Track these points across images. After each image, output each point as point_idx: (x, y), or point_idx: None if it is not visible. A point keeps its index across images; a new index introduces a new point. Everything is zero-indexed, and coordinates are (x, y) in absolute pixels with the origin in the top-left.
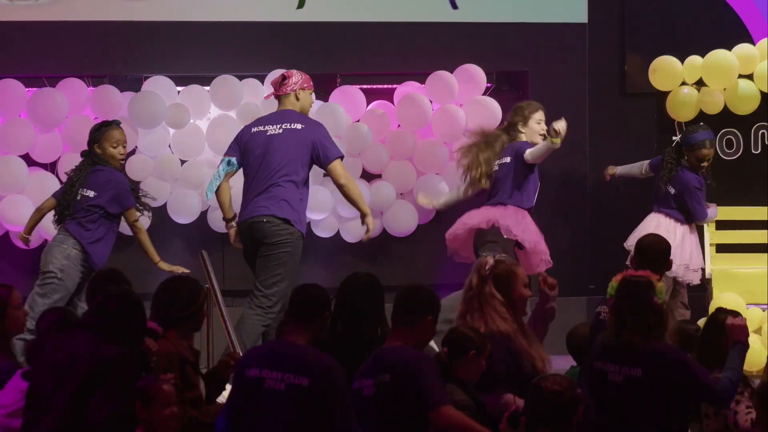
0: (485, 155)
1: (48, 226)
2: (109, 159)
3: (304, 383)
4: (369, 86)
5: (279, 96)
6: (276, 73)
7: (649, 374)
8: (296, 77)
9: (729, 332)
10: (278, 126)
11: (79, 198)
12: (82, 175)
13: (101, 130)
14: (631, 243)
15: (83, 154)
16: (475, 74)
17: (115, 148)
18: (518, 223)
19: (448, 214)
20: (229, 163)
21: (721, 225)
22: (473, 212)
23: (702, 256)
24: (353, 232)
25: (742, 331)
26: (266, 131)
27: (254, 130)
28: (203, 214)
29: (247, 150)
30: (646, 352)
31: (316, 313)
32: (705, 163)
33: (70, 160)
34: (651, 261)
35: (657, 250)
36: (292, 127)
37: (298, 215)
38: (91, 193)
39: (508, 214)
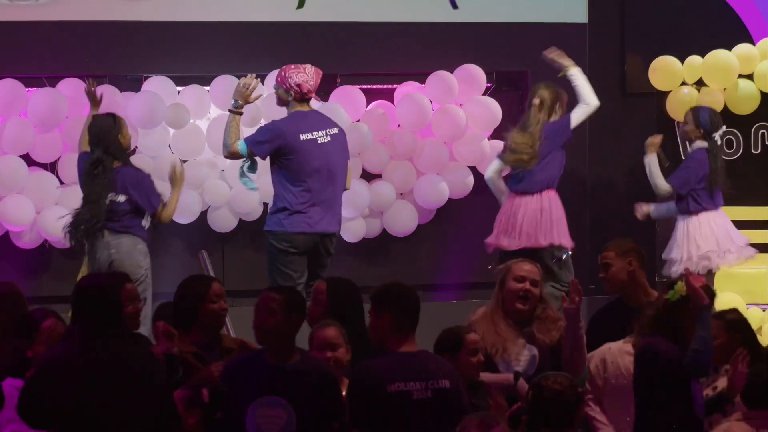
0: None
1: (48, 226)
2: (128, 148)
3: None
4: (369, 86)
5: (311, 96)
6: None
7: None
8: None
9: (693, 298)
10: (323, 132)
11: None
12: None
13: (117, 121)
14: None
15: (95, 151)
16: (475, 74)
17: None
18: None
19: (448, 214)
20: (253, 166)
21: None
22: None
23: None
24: (353, 232)
25: (699, 294)
26: (316, 140)
27: (302, 138)
28: (203, 214)
29: (300, 159)
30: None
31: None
32: None
33: (70, 160)
34: None
35: None
36: (333, 131)
37: None
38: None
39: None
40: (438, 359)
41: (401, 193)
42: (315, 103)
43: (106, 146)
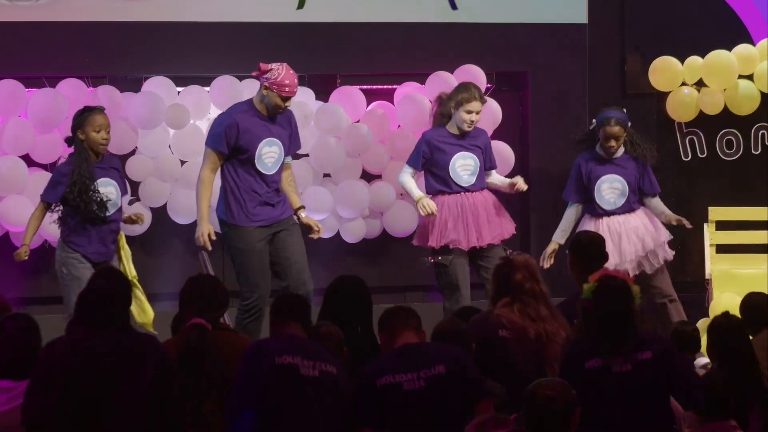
0: None
1: (48, 227)
2: (92, 144)
3: (334, 371)
4: (369, 86)
5: None
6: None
7: (659, 356)
8: None
9: None
10: None
11: None
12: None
13: (83, 115)
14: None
15: (68, 141)
16: (475, 74)
17: (98, 132)
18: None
19: None
20: None
21: (721, 225)
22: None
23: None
24: (353, 233)
25: None
26: None
27: None
28: None
29: None
30: (649, 338)
31: (308, 314)
32: (612, 142)
33: None
34: (589, 258)
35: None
36: None
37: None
38: None
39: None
40: (439, 347)
41: (401, 194)
42: (315, 104)
43: (72, 136)
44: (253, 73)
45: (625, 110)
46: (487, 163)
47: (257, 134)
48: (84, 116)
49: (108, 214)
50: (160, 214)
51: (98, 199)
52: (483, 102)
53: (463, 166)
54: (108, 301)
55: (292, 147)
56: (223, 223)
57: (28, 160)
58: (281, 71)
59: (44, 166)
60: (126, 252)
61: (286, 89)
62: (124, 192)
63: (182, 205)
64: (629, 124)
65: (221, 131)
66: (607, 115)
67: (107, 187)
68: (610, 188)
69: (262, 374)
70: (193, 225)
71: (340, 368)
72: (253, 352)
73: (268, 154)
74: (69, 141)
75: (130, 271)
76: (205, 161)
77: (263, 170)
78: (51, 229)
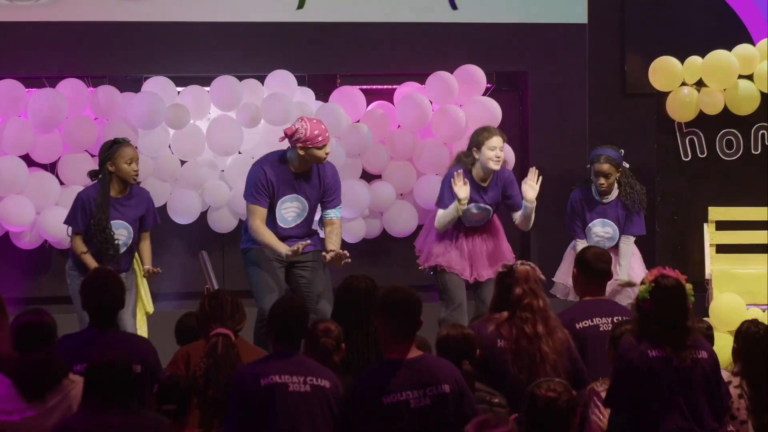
0: None
1: (48, 226)
2: (123, 176)
3: (327, 385)
4: (369, 86)
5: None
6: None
7: (711, 357)
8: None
9: None
10: None
11: None
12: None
13: (113, 147)
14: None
15: (92, 174)
16: (475, 74)
17: (129, 164)
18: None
19: None
20: None
21: (721, 225)
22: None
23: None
24: (353, 233)
25: None
26: None
27: None
28: (203, 215)
29: None
30: (699, 339)
31: (304, 332)
32: (602, 180)
33: (70, 161)
34: (598, 273)
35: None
36: None
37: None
38: None
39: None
40: (440, 363)
41: (401, 194)
42: (315, 104)
43: (99, 169)
44: (279, 139)
45: (622, 151)
46: (515, 206)
47: (282, 189)
48: (114, 149)
49: (117, 252)
50: (160, 214)
51: (112, 240)
52: (504, 138)
53: (475, 214)
54: (116, 383)
55: (328, 203)
56: (242, 253)
57: (28, 160)
58: (306, 126)
59: (44, 166)
60: (145, 286)
61: (320, 138)
62: (147, 228)
63: (182, 205)
64: (624, 163)
65: (255, 185)
66: (598, 152)
67: (119, 230)
68: (603, 232)
69: (249, 399)
70: (193, 225)
71: (333, 383)
72: (239, 379)
73: (289, 209)
74: (94, 174)
75: (147, 304)
76: (249, 215)
77: (282, 224)
78: (51, 229)
